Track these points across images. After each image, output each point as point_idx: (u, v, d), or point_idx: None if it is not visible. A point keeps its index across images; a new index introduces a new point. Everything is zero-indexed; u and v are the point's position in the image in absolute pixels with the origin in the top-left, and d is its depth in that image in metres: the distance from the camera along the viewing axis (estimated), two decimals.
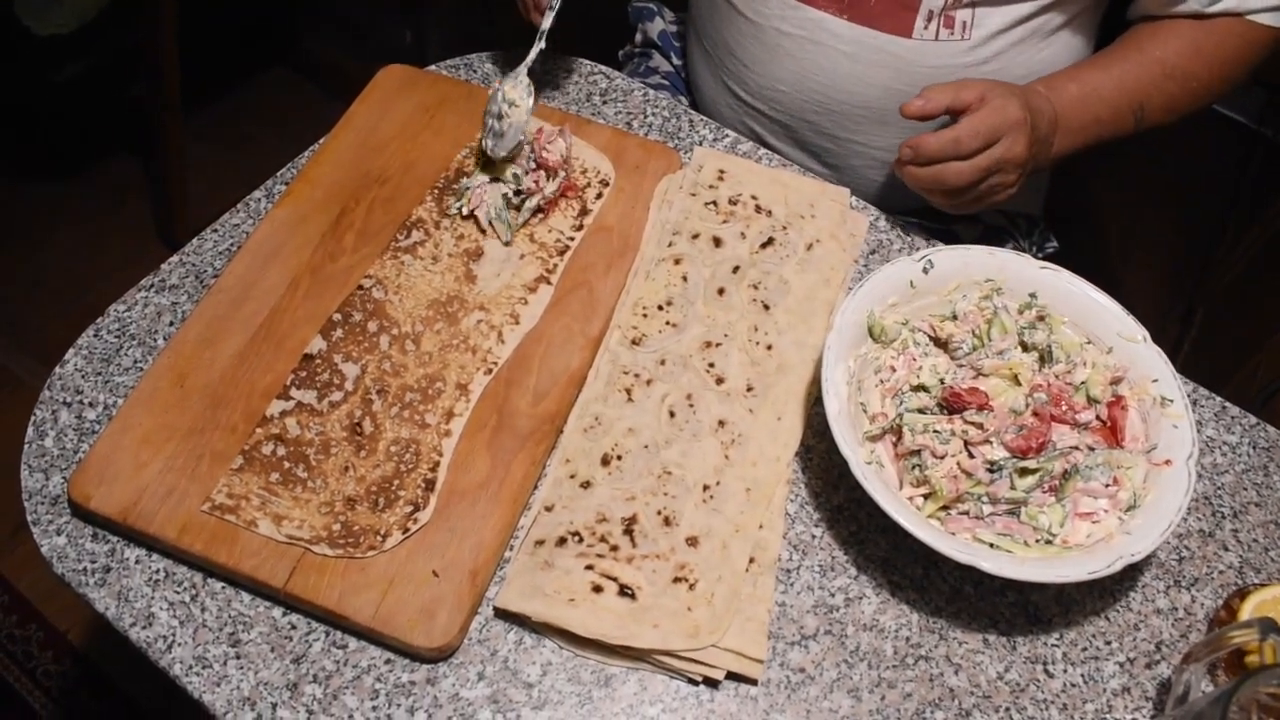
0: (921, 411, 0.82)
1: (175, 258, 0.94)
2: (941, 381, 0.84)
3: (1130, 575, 0.83)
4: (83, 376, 0.87)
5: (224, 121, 2.31)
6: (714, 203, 0.98)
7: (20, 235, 2.15)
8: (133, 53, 1.93)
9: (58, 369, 0.87)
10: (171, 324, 0.90)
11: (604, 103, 1.08)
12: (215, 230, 0.96)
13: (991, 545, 0.78)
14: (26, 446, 0.83)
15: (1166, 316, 2.28)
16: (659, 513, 0.80)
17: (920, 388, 0.84)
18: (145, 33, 1.82)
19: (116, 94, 2.16)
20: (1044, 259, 0.91)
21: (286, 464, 0.81)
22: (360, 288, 0.90)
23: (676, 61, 1.32)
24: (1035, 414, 0.82)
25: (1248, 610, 0.78)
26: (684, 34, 1.31)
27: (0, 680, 1.67)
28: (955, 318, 0.88)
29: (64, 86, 2.02)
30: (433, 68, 1.10)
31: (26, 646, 1.70)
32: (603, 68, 1.11)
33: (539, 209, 0.96)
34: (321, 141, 1.01)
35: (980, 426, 0.81)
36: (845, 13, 1.03)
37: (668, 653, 0.74)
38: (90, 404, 0.85)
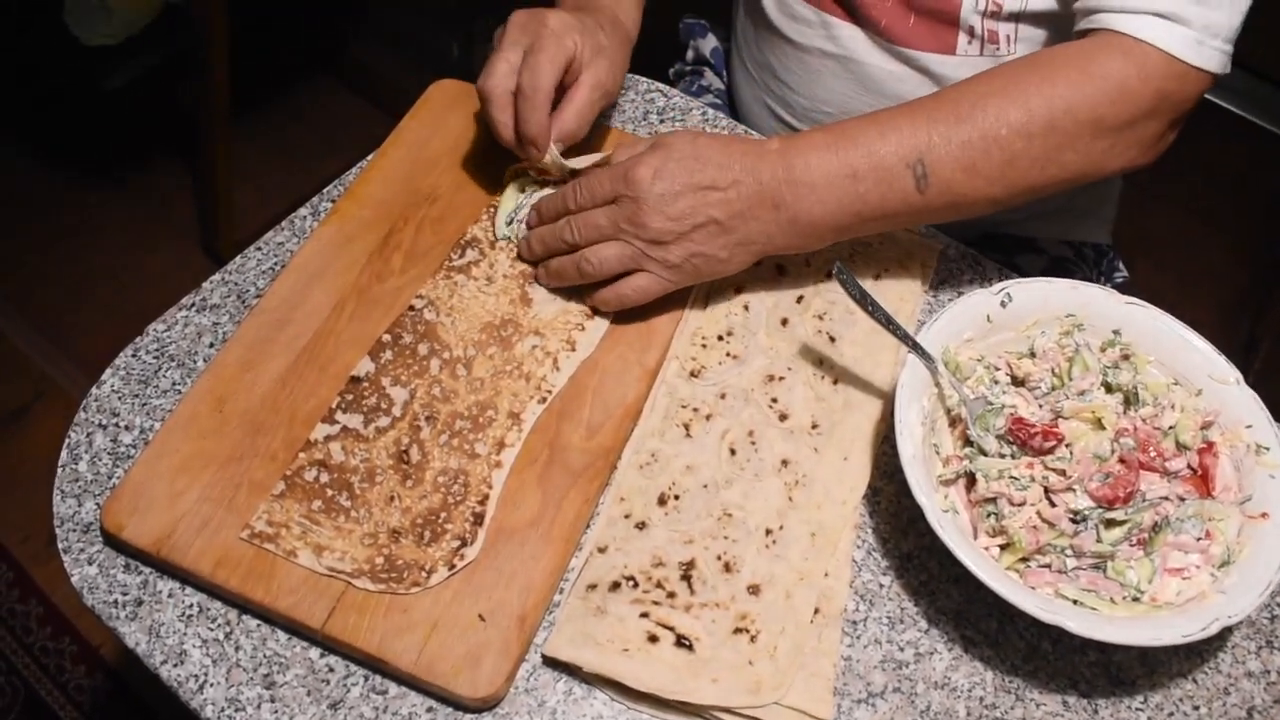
0: (1000, 456, 0.77)
1: (217, 276, 0.91)
2: (1003, 408, 0.80)
3: (1219, 635, 0.78)
4: (119, 398, 0.84)
5: (272, 129, 2.31)
6: None
7: (66, 241, 2.16)
8: (181, 61, 1.93)
9: (94, 390, 0.84)
10: (212, 345, 0.87)
11: (661, 121, 1.05)
12: (259, 248, 0.93)
13: (1075, 602, 0.73)
14: (60, 470, 0.80)
15: (1229, 351, 2.21)
16: (719, 558, 0.76)
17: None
18: (195, 41, 1.81)
19: (164, 102, 2.17)
20: (1115, 290, 0.86)
21: (329, 491, 0.77)
22: (411, 309, 0.87)
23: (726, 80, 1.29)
24: (1122, 460, 0.77)
25: None
26: (729, 54, 1.28)
27: (32, 693, 1.65)
28: (1034, 355, 0.84)
29: (112, 95, 2.03)
30: None
31: (59, 660, 1.69)
32: (660, 85, 1.08)
33: None
34: (370, 158, 0.97)
35: (1062, 473, 0.76)
36: (887, 33, 1.00)
37: (727, 709, 0.70)
38: (126, 427, 0.82)
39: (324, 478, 0.78)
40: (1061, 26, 0.97)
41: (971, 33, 0.97)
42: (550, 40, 0.87)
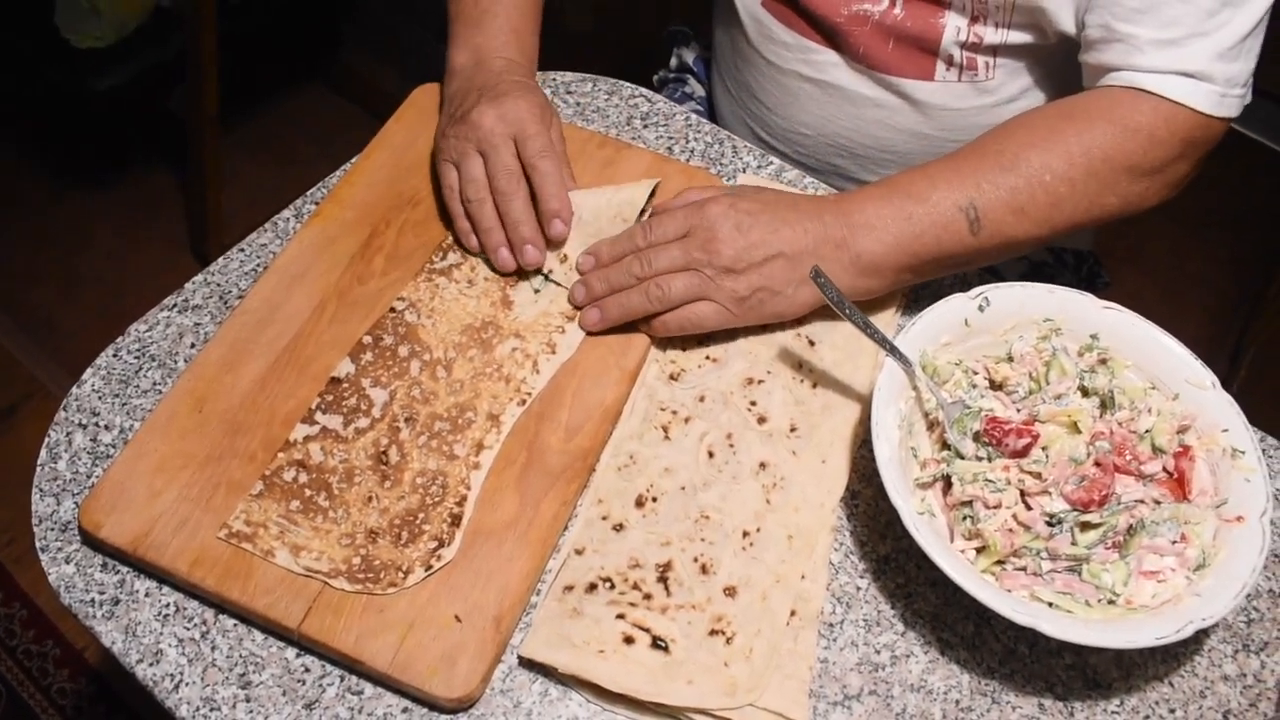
0: (977, 459, 0.78)
1: (200, 277, 0.91)
2: (980, 412, 0.80)
3: (1195, 638, 0.78)
4: (100, 398, 0.84)
5: (262, 135, 2.31)
6: None
7: (57, 242, 2.16)
8: (171, 65, 1.93)
9: (75, 389, 0.84)
10: (193, 345, 0.87)
11: (645, 127, 1.05)
12: (242, 250, 0.93)
13: (1050, 604, 0.73)
14: (39, 469, 0.80)
15: (1213, 357, 2.22)
16: (695, 559, 0.76)
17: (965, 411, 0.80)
18: (185, 45, 1.81)
19: (154, 105, 2.17)
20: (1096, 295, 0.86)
21: (308, 492, 0.77)
22: (392, 310, 0.87)
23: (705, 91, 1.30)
24: (1097, 463, 0.77)
25: None
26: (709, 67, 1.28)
27: (15, 697, 1.65)
28: (1011, 359, 0.84)
29: (102, 97, 2.03)
30: None
31: (43, 663, 1.68)
32: (644, 91, 1.08)
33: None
34: (354, 161, 0.97)
35: (1038, 476, 0.76)
36: (865, 59, 1.00)
37: (702, 711, 0.70)
38: (106, 427, 0.82)
39: (302, 478, 0.78)
40: (1040, 56, 0.97)
41: (950, 61, 0.98)
42: (533, 123, 0.89)
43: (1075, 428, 0.79)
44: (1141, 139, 0.84)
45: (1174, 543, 0.75)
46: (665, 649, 0.71)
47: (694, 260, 0.83)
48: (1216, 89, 0.84)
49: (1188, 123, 0.85)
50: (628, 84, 1.09)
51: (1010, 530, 0.75)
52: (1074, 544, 0.75)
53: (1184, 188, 0.90)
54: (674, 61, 1.33)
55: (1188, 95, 0.84)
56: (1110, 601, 0.74)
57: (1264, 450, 0.87)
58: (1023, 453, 0.77)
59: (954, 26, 0.96)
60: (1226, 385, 0.82)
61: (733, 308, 0.84)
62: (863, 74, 1.02)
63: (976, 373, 0.84)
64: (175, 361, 0.86)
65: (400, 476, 0.79)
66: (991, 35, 0.95)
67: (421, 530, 0.76)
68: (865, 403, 0.85)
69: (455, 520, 0.76)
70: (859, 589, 0.78)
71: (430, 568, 0.74)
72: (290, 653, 0.73)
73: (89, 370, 0.85)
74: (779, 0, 1.03)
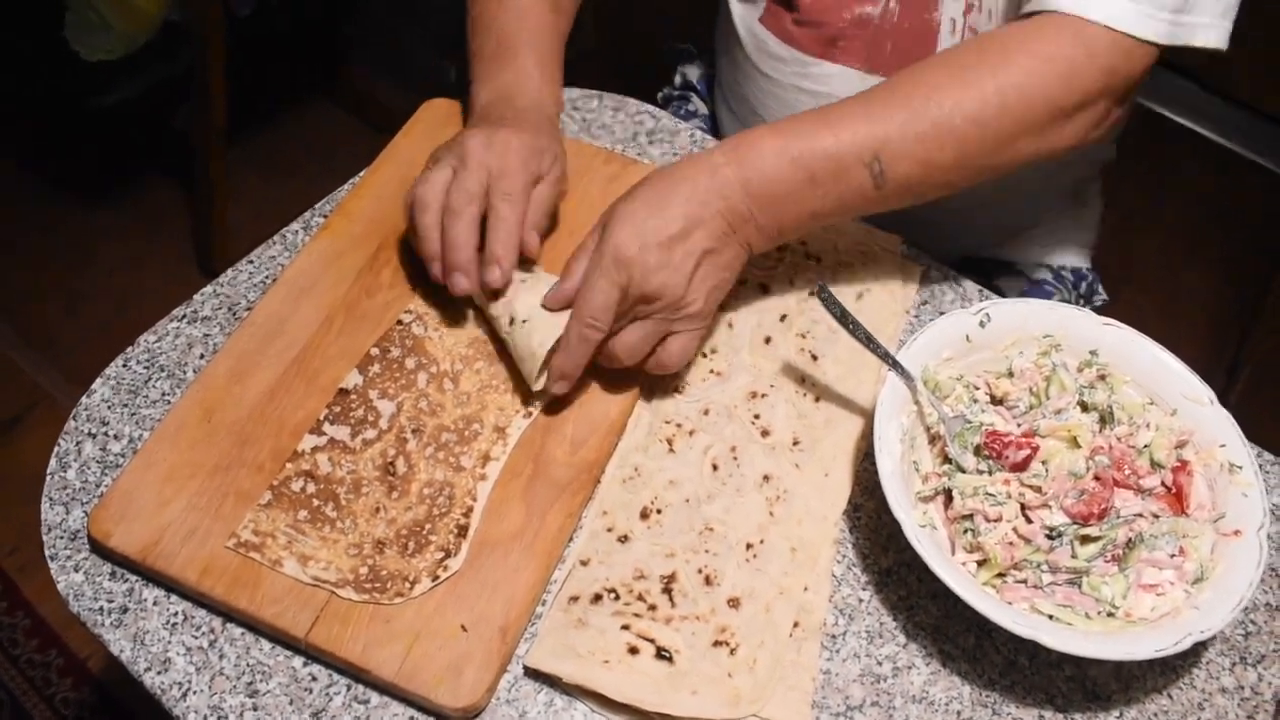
0: (978, 472, 0.78)
1: (209, 288, 0.92)
2: (981, 426, 0.81)
3: (1193, 650, 0.79)
4: (109, 408, 0.84)
5: (269, 151, 2.32)
6: None
7: (62, 255, 2.17)
8: (179, 80, 1.94)
9: (84, 399, 0.85)
10: (202, 356, 0.88)
11: (650, 143, 1.06)
12: (250, 262, 0.94)
13: (1051, 617, 0.74)
14: (49, 478, 0.81)
15: (1210, 374, 2.23)
16: (699, 571, 0.76)
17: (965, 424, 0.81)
18: (193, 61, 1.83)
19: (162, 120, 2.18)
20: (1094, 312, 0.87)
21: (316, 502, 0.78)
22: (400, 322, 0.88)
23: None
24: (1097, 478, 0.78)
25: None
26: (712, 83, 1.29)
27: (19, 706, 1.65)
28: (1012, 374, 0.85)
29: (110, 111, 2.04)
30: None
31: (46, 673, 1.68)
32: (649, 107, 1.09)
33: None
34: (362, 174, 0.99)
35: (1038, 490, 0.77)
36: (864, 64, 1.01)
37: None
38: (115, 436, 0.83)
39: (310, 488, 0.79)
40: None
41: None
42: (518, 167, 0.85)
43: (1075, 442, 0.80)
44: (1060, 69, 0.80)
45: (1172, 556, 0.76)
46: (670, 659, 0.72)
47: (638, 310, 0.80)
48: (1136, 6, 0.79)
49: (1109, 48, 0.80)
50: (634, 100, 1.10)
51: (1011, 543, 0.76)
52: (1074, 557, 0.75)
53: (1110, 133, 0.86)
54: (678, 79, 1.34)
55: (1108, 12, 0.79)
56: (1110, 614, 0.74)
57: (1261, 465, 0.88)
58: (1023, 465, 0.78)
59: (949, 19, 0.96)
60: (1224, 400, 0.82)
61: (698, 324, 0.82)
62: (863, 82, 1.02)
63: (978, 388, 0.84)
64: (184, 372, 0.87)
65: (407, 488, 0.79)
66: (985, 25, 0.95)
67: (428, 541, 0.77)
68: (868, 417, 0.86)
69: (462, 531, 0.77)
70: (861, 601, 0.79)
71: (437, 578, 0.75)
72: (297, 661, 0.74)
73: (98, 380, 0.86)
74: (777, 14, 1.04)
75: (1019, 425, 0.82)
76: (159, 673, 0.73)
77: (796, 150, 0.80)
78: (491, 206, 0.84)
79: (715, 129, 1.27)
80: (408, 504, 0.78)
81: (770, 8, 1.04)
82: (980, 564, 0.76)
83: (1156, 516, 0.78)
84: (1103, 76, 0.81)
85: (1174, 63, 2.43)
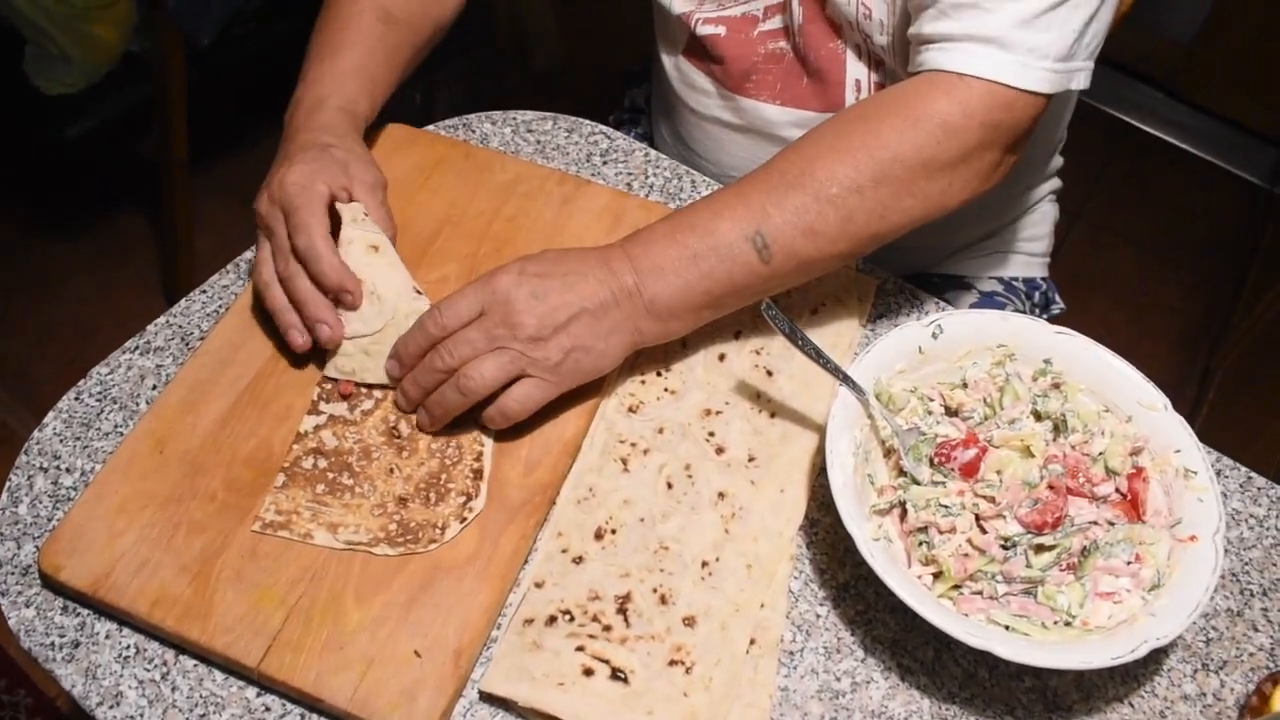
0: (933, 484, 0.78)
1: (162, 319, 0.91)
2: (935, 438, 0.81)
3: (1155, 658, 0.79)
4: (61, 441, 0.84)
5: (233, 178, 2.31)
6: None
7: (28, 290, 2.15)
8: (141, 110, 1.93)
9: (36, 433, 0.84)
10: (155, 387, 0.87)
11: (604, 163, 1.06)
12: (204, 291, 0.94)
13: (1007, 627, 0.74)
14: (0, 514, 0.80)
15: (1182, 382, 2.25)
16: (655, 590, 0.76)
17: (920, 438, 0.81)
18: (154, 91, 1.82)
19: (125, 150, 2.17)
20: (1050, 321, 0.87)
21: (330, 474, 0.80)
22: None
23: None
24: (1050, 487, 0.78)
25: None
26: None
27: None
28: (966, 385, 0.85)
29: (73, 143, 2.03)
30: (431, 127, 1.08)
31: (15, 713, 1.66)
32: (603, 128, 1.09)
33: None
34: None
35: (992, 500, 0.77)
36: (778, 98, 1.01)
37: None
38: (67, 469, 0.82)
39: (322, 463, 0.80)
40: None
41: (859, 87, 0.98)
42: (300, 196, 0.84)
43: (1029, 451, 0.80)
44: (933, 130, 0.79)
45: (1129, 563, 0.76)
46: (625, 680, 0.71)
47: (497, 338, 0.78)
48: (1015, 58, 0.78)
49: (984, 102, 0.79)
50: (588, 121, 1.10)
51: (965, 555, 0.75)
52: (1029, 566, 0.75)
53: (1003, 178, 0.85)
54: (626, 102, 1.34)
55: (980, 67, 0.78)
56: (1067, 623, 0.74)
57: (1220, 471, 0.88)
58: (973, 465, 0.78)
59: (853, 45, 0.96)
60: (1196, 406, 0.83)
61: (550, 376, 0.80)
62: (780, 115, 1.02)
63: (932, 399, 0.85)
64: (137, 403, 0.86)
65: (415, 446, 0.82)
66: (883, 40, 0.93)
67: (448, 489, 0.79)
68: (823, 431, 0.86)
69: (478, 474, 0.81)
70: (819, 616, 0.79)
71: (464, 519, 0.78)
72: (250, 692, 0.73)
73: (50, 414, 0.85)
74: (697, 50, 1.04)
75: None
76: (111, 706, 0.72)
77: (679, 231, 0.81)
78: (293, 247, 0.84)
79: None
80: (419, 460, 0.81)
81: (692, 43, 1.05)
82: (936, 576, 0.76)
83: (1112, 524, 0.78)
84: (982, 131, 0.80)
85: (1143, 72, 2.48)
